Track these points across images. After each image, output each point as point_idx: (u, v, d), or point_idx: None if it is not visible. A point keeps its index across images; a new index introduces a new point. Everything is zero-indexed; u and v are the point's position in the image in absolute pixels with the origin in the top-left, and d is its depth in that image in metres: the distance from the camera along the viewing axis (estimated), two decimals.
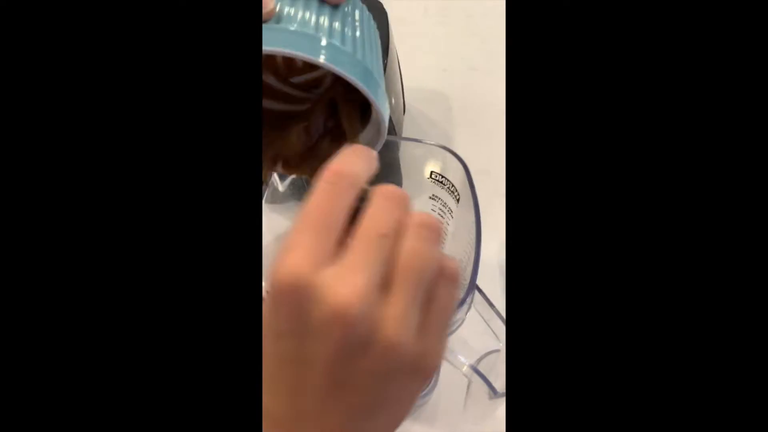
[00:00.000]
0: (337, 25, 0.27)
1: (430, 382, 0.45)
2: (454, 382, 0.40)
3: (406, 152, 0.43)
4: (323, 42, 0.26)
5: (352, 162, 0.21)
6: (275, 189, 0.39)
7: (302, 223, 0.20)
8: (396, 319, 0.19)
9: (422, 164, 0.42)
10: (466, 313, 0.35)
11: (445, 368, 0.41)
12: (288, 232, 0.20)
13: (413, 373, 0.20)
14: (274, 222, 0.50)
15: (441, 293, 0.21)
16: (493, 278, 0.54)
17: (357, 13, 0.29)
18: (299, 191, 0.40)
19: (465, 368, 0.33)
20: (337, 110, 0.33)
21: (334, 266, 0.19)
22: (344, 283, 0.18)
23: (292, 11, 0.26)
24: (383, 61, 0.33)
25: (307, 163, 0.33)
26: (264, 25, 0.25)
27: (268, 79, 0.33)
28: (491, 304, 0.34)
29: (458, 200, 0.41)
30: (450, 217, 0.43)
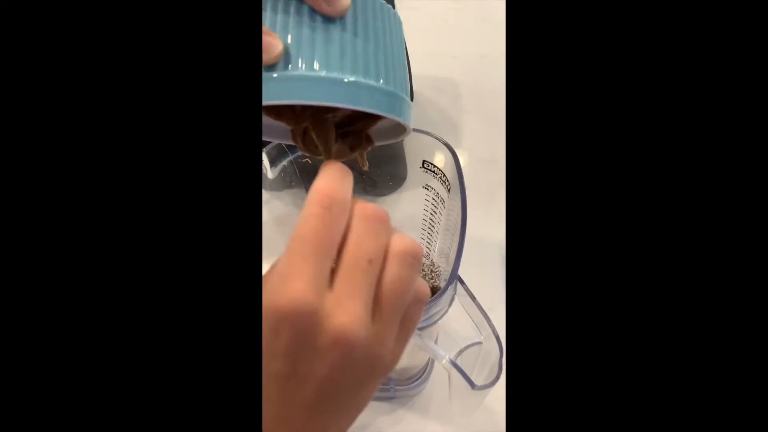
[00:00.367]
0: (348, 49, 0.24)
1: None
2: (447, 373, 0.40)
3: (406, 142, 0.42)
4: (340, 80, 0.23)
5: (341, 184, 0.23)
6: (264, 176, 0.39)
7: (302, 248, 0.21)
8: (385, 339, 0.22)
9: (416, 154, 0.41)
10: (449, 305, 0.35)
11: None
12: (283, 254, 0.21)
13: (380, 375, 0.23)
14: (270, 205, 0.50)
15: (412, 310, 0.24)
16: (494, 270, 0.53)
17: (369, 12, 0.25)
18: (288, 178, 0.40)
19: (444, 361, 0.33)
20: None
21: (332, 293, 0.21)
22: (343, 312, 0.21)
23: (297, 48, 0.23)
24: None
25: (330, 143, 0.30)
26: (273, 75, 0.23)
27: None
28: (473, 297, 0.34)
29: (449, 190, 0.40)
30: (442, 207, 0.42)
